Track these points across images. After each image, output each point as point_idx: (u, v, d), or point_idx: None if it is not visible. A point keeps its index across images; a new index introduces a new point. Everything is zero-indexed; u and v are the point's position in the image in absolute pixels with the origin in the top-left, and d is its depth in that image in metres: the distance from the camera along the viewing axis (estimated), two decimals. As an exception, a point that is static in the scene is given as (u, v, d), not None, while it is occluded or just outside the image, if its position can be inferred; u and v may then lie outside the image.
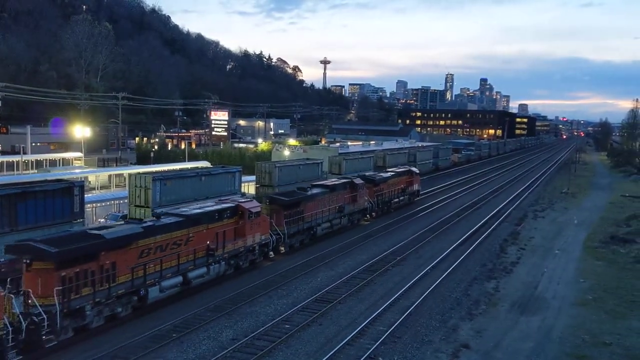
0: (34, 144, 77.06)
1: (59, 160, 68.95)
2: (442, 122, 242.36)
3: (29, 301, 18.68)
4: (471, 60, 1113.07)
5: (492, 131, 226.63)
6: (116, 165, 73.93)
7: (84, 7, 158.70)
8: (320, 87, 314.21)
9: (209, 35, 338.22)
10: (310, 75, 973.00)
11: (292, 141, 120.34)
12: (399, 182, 52.45)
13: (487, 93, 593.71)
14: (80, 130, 72.77)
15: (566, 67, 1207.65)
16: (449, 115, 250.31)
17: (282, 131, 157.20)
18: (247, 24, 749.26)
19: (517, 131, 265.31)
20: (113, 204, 39.60)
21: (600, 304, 26.41)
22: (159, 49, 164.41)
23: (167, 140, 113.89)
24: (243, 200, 30.26)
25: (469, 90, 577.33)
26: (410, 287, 27.59)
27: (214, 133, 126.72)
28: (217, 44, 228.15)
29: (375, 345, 20.26)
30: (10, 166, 64.11)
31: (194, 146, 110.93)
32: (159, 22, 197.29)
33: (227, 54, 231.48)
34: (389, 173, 52.07)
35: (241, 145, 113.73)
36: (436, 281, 28.58)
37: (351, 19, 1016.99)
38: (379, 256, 33.46)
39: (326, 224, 38.33)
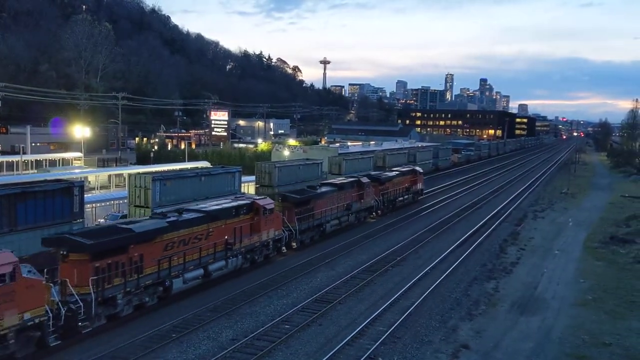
0: (33, 144, 77.14)
1: (59, 160, 68.99)
2: (442, 123, 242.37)
3: (67, 290, 19.58)
4: (471, 60, 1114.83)
5: (492, 131, 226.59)
6: (116, 165, 73.92)
7: (84, 7, 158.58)
8: (320, 87, 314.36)
9: (209, 35, 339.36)
10: (310, 75, 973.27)
11: (291, 141, 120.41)
12: (404, 181, 53.50)
13: (487, 93, 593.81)
14: (80, 131, 72.76)
15: (566, 67, 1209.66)
16: (449, 115, 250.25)
17: (282, 131, 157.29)
18: (246, 24, 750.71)
19: (517, 131, 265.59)
20: (113, 204, 39.74)
21: (600, 304, 26.41)
22: (158, 49, 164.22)
23: (167, 140, 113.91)
24: (258, 198, 31.64)
25: (468, 91, 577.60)
26: (410, 288, 27.60)
27: (213, 133, 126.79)
28: (216, 44, 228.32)
29: (375, 346, 20.26)
30: (10, 166, 64.12)
31: (193, 146, 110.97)
32: (159, 22, 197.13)
33: (226, 54, 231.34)
34: (394, 172, 53.20)
35: (241, 145, 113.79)
36: (436, 281, 28.60)
37: (351, 19, 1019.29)
38: (379, 256, 33.48)
39: (335, 221, 39.55)
